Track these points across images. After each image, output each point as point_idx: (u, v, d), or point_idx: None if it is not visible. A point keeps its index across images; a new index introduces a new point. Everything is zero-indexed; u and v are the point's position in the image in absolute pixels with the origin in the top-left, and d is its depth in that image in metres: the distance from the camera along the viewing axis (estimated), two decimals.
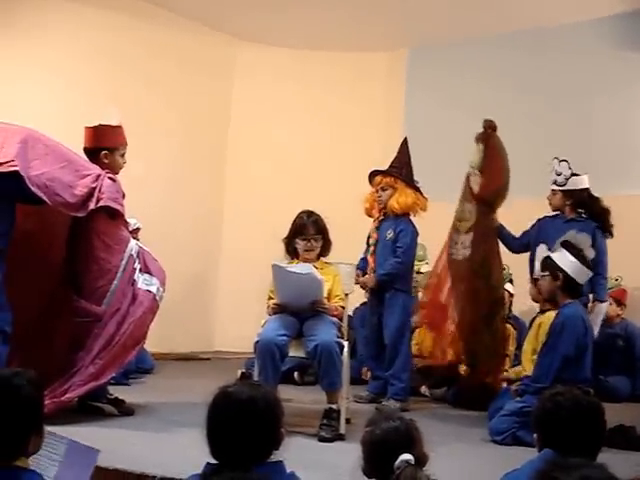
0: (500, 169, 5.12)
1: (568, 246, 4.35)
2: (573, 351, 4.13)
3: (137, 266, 4.28)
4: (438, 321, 5.42)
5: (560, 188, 4.99)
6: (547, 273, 4.32)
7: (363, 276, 5.22)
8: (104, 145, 4.38)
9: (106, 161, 4.36)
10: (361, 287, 5.27)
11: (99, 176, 4.18)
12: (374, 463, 2.13)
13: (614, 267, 5.10)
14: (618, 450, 3.72)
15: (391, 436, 2.12)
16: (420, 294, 5.93)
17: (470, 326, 5.02)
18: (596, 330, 4.62)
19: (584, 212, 4.99)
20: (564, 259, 4.31)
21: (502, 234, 5.21)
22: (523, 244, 5.21)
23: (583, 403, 2.32)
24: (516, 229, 5.29)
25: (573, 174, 4.95)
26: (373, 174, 5.30)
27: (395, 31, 7.60)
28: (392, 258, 5.14)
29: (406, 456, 2.04)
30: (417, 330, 6.00)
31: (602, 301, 4.84)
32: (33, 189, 3.84)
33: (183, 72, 7.47)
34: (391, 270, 5.14)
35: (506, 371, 5.13)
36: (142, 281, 4.27)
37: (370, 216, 5.39)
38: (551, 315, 4.41)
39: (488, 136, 5.14)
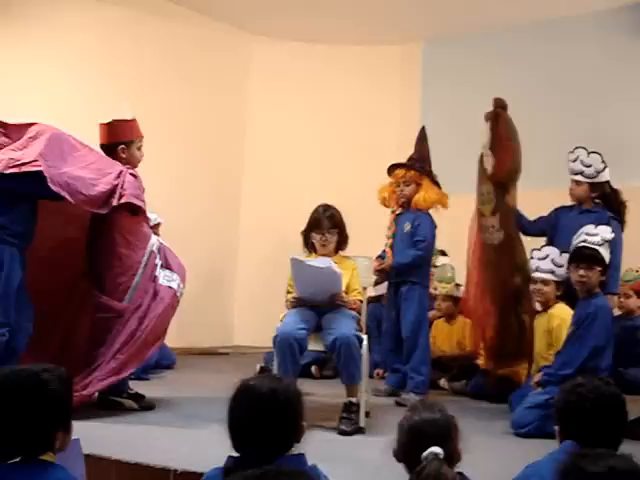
0: (510, 148, 5.04)
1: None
2: (603, 341, 4.11)
3: (158, 262, 4.30)
4: (479, 315, 5.39)
5: (589, 180, 4.87)
6: (600, 268, 4.23)
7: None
8: (120, 139, 4.40)
9: (124, 155, 4.39)
10: (378, 273, 5.11)
11: (121, 172, 4.20)
12: (406, 449, 2.12)
13: (634, 258, 5.04)
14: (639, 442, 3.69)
15: (428, 426, 2.10)
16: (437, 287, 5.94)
17: (499, 311, 5.02)
18: None
19: (601, 202, 4.93)
20: (607, 256, 4.29)
21: (519, 217, 5.15)
22: (539, 228, 5.13)
23: (606, 394, 2.30)
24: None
25: (606, 167, 4.85)
26: (395, 167, 5.26)
27: (410, 23, 7.58)
28: (412, 249, 5.12)
29: (436, 449, 2.01)
30: (434, 323, 6.01)
31: (614, 294, 4.72)
32: (55, 189, 3.85)
33: (200, 67, 7.50)
34: (411, 261, 5.11)
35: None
36: (163, 277, 4.29)
37: (386, 206, 5.36)
38: (561, 310, 4.43)
39: (497, 114, 5.05)
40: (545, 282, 4.63)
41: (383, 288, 5.62)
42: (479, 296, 5.22)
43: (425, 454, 2.01)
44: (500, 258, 5.04)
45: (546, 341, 4.57)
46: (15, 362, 3.78)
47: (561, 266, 4.56)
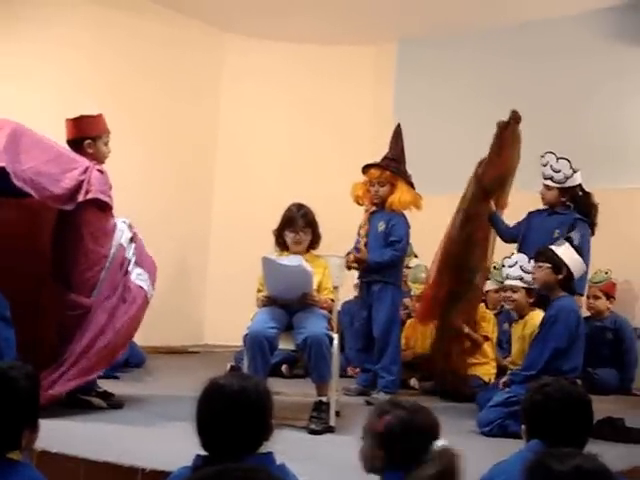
0: (505, 159, 5.13)
1: (571, 242, 4.37)
2: (565, 343, 4.13)
3: (131, 257, 4.28)
4: (426, 313, 5.51)
5: (558, 185, 4.94)
6: (549, 265, 4.27)
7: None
8: (87, 134, 4.34)
9: (90, 151, 4.33)
10: (352, 265, 5.15)
11: (87, 168, 4.14)
12: (404, 453, 2.03)
13: (603, 260, 5.10)
14: (606, 442, 3.73)
15: (421, 424, 2.07)
16: (411, 288, 5.97)
17: (440, 301, 5.20)
18: None
19: (571, 205, 4.99)
20: (568, 254, 4.30)
21: (495, 221, 5.24)
22: (513, 234, 5.21)
23: (572, 394, 2.33)
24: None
25: (574, 172, 4.91)
26: (370, 166, 5.24)
27: (384, 24, 7.59)
28: (388, 249, 5.11)
29: (442, 441, 2.00)
30: (407, 322, 6.03)
31: (580, 294, 4.77)
32: (19, 184, 3.80)
33: (172, 63, 7.46)
34: (388, 259, 5.10)
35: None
36: (136, 275, 4.26)
37: (359, 204, 5.36)
38: (536, 317, 4.44)
39: (506, 125, 5.14)
40: (514, 289, 4.61)
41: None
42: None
43: (436, 447, 1.99)
44: (453, 255, 5.27)
45: (520, 347, 4.56)
46: (14, 353, 3.79)
47: (530, 272, 4.56)
